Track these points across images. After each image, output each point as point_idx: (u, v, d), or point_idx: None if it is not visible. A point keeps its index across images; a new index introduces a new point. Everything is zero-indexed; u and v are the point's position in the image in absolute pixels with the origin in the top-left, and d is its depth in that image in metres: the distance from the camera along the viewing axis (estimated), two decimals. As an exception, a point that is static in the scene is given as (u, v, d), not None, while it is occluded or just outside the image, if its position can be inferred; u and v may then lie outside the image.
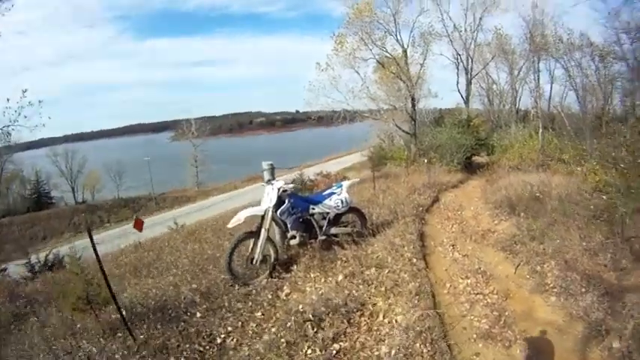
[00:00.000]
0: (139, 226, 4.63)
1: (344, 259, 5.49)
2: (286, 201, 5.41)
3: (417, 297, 4.28)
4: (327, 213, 5.79)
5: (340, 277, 4.87)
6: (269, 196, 5.37)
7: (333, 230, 5.89)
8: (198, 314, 4.49)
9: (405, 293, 4.38)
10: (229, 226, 5.37)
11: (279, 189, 5.34)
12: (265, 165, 5.92)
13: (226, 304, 4.65)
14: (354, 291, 4.54)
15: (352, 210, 6.15)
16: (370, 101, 26.12)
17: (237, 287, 5.06)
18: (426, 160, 17.93)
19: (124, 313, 4.18)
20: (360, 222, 6.29)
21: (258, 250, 5.23)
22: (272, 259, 5.40)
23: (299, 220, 5.55)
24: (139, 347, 3.97)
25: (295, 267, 5.46)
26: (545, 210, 7.38)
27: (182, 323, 4.33)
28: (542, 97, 27.12)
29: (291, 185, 5.58)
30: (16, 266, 17.33)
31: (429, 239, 6.87)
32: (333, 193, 5.86)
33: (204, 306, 4.65)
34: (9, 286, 8.76)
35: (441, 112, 30.97)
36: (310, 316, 4.03)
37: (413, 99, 25.17)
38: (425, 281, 4.76)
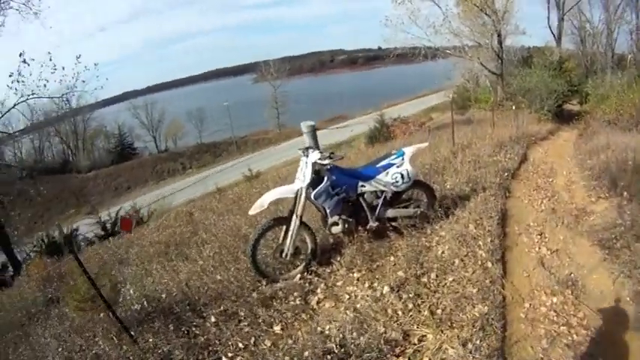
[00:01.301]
0: (126, 227, 3.72)
1: (399, 254, 4.32)
2: (325, 178, 4.15)
3: (482, 332, 3.06)
4: (382, 191, 4.48)
5: (386, 289, 3.68)
6: (302, 172, 4.18)
7: (390, 213, 4.59)
8: (213, 318, 3.68)
9: (466, 323, 3.15)
10: (251, 212, 4.24)
11: (314, 164, 4.11)
12: (305, 126, 4.77)
13: (245, 308, 3.76)
14: (399, 311, 3.39)
15: (417, 184, 4.79)
16: (453, 37, 24.58)
17: (264, 283, 4.15)
18: (514, 107, 16.44)
19: (119, 316, 3.57)
20: (426, 199, 4.91)
21: (288, 241, 4.18)
22: (308, 251, 4.34)
23: (343, 202, 4.33)
24: (141, 356, 3.33)
25: (337, 261, 4.38)
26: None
27: (193, 328, 3.60)
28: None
29: (328, 159, 4.09)
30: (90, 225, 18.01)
31: (513, 222, 5.39)
32: (391, 165, 4.48)
33: (222, 307, 3.82)
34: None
35: (529, 51, 27.90)
36: (335, 345, 3.01)
37: (499, 35, 22.98)
38: (497, 302, 3.46)
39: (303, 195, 4.12)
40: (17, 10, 17.30)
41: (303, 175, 4.12)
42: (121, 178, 45.88)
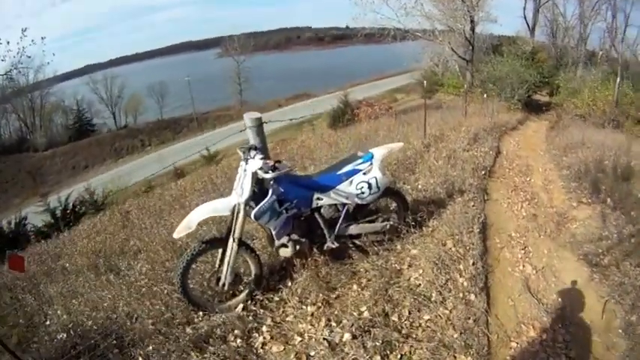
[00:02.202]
0: (16, 266, 2.61)
1: (363, 280, 3.58)
2: (269, 192, 3.22)
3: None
4: (344, 204, 3.66)
5: (347, 336, 2.92)
6: (240, 182, 3.22)
7: (353, 230, 3.75)
8: (140, 361, 2.85)
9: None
10: (175, 235, 3.28)
11: (254, 174, 3.16)
12: (249, 119, 3.59)
13: (176, 349, 2.99)
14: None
15: (387, 192, 3.87)
16: (424, 20, 24.41)
17: (200, 316, 3.37)
18: (485, 95, 16.19)
19: None
20: (397, 210, 4.14)
21: (225, 269, 3.34)
22: (251, 277, 3.54)
23: (294, 219, 3.48)
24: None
25: (288, 287, 3.60)
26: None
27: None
28: (617, 39, 24.05)
29: (272, 171, 3.13)
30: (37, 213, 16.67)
31: (493, 232, 4.75)
32: (357, 171, 3.60)
33: (150, 347, 3.04)
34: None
35: (499, 40, 27.85)
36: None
37: (472, 21, 22.66)
38: (482, 350, 2.81)
39: (242, 213, 3.23)
40: None
41: (242, 188, 3.20)
42: (79, 156, 43.77)
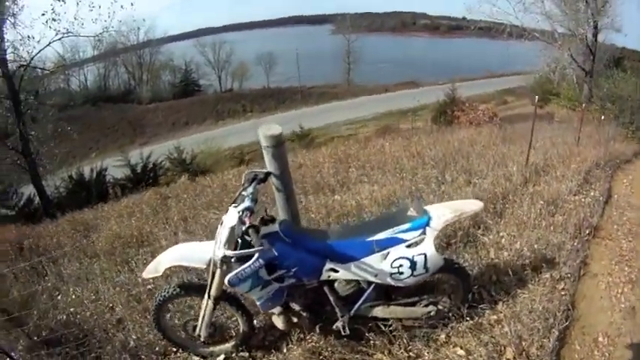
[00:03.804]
0: None
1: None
2: (255, 256, 2.25)
3: None
4: (371, 283, 2.61)
5: None
6: (222, 229, 2.37)
7: (379, 312, 2.73)
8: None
9: None
10: (144, 275, 2.64)
11: (241, 218, 2.28)
12: (265, 136, 2.61)
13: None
14: None
15: (442, 268, 2.65)
16: (544, 19, 22.38)
17: (177, 353, 3.00)
18: (602, 116, 14.00)
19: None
20: (453, 291, 2.98)
21: (200, 322, 2.68)
22: (240, 329, 2.85)
23: (293, 287, 2.58)
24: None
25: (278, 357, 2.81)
26: None
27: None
28: None
29: (257, 227, 2.31)
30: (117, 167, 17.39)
31: (577, 332, 3.27)
32: (397, 241, 2.50)
33: None
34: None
35: (622, 52, 24.33)
36: None
37: (595, 27, 19.96)
38: None
39: (218, 271, 2.42)
40: None
41: (221, 239, 2.33)
42: (180, 113, 46.19)
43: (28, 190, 18.18)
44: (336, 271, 2.54)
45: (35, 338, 3.19)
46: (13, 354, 2.96)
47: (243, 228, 2.24)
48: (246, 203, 2.35)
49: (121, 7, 17.61)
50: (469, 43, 69.52)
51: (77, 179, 17.60)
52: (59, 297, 4.03)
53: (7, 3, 16.68)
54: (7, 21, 16.88)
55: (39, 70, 20.07)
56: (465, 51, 69.31)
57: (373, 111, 38.64)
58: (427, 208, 2.62)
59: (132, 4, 18.03)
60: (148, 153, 19.12)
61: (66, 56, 32.45)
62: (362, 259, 2.51)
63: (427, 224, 2.52)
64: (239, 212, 2.30)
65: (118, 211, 7.41)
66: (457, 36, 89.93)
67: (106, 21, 17.60)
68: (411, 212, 2.59)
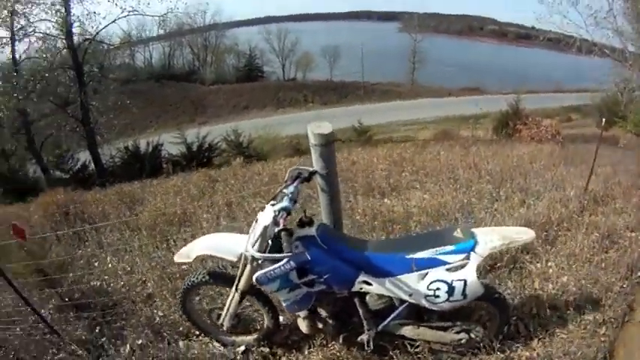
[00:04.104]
0: (19, 233, 2.83)
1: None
2: (286, 259, 2.19)
3: None
4: (404, 301, 2.47)
5: None
6: (256, 226, 2.32)
7: (408, 332, 2.58)
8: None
9: None
10: (176, 259, 2.67)
11: (275, 219, 2.21)
12: (314, 134, 2.52)
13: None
14: None
15: (481, 296, 2.45)
16: (615, 35, 20.99)
17: (198, 336, 3.06)
18: None
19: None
20: (490, 320, 2.76)
21: (225, 312, 2.66)
22: (264, 324, 2.83)
23: (321, 293, 2.48)
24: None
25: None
26: None
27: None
28: None
29: (293, 231, 2.26)
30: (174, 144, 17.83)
31: None
32: (437, 263, 2.33)
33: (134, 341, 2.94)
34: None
35: None
36: None
37: None
38: None
39: (248, 267, 2.37)
40: None
41: (254, 236, 2.28)
42: (242, 97, 47.26)
43: (84, 156, 19.20)
44: (370, 284, 2.42)
45: (67, 300, 3.34)
46: (42, 311, 3.09)
47: (276, 230, 2.17)
48: (284, 203, 2.27)
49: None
50: (537, 54, 66.79)
51: (133, 151, 18.28)
52: (96, 264, 4.17)
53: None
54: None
55: (104, 45, 21.14)
56: (532, 61, 66.64)
57: (434, 114, 38.16)
58: (475, 231, 2.43)
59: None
60: (205, 133, 19.48)
61: (132, 33, 34.04)
62: (398, 276, 2.39)
63: (472, 249, 2.35)
64: (275, 212, 2.23)
65: (165, 188, 7.56)
66: (525, 45, 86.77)
67: (171, 1, 18.15)
68: (458, 233, 2.42)
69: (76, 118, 19.05)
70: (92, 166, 18.99)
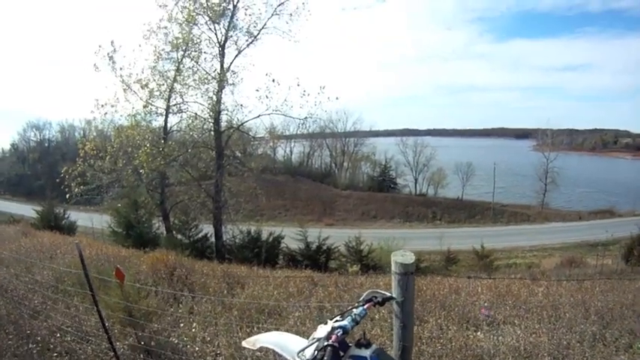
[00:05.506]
0: (119, 276, 3.57)
1: None
2: None
3: None
4: None
5: None
6: (314, 334, 2.37)
7: None
8: None
9: None
10: (243, 343, 2.92)
11: (329, 334, 2.23)
12: (397, 263, 2.70)
13: None
14: None
15: None
16: None
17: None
18: None
19: None
20: None
21: None
22: None
23: None
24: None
25: None
26: None
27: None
28: None
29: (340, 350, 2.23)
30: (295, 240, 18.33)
31: None
32: None
33: None
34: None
35: None
36: None
37: None
38: None
39: None
40: (280, 35, 20.58)
41: (308, 343, 2.34)
42: (371, 205, 48.74)
43: (207, 229, 20.69)
44: None
45: (141, 343, 3.72)
46: (117, 345, 3.53)
47: (325, 344, 2.19)
48: (344, 322, 2.33)
49: (328, 98, 19.48)
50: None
51: (254, 237, 19.39)
52: (181, 325, 4.55)
53: (227, 74, 20.09)
54: (227, 87, 20.31)
55: (247, 134, 23.44)
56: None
57: (561, 240, 35.75)
58: None
59: (337, 98, 19.86)
60: (327, 235, 20.16)
61: (277, 128, 37.15)
62: None
63: None
64: (332, 327, 2.30)
65: (268, 279, 7.82)
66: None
67: (312, 108, 19.60)
68: None
69: (209, 193, 20.92)
70: (212, 239, 20.41)
